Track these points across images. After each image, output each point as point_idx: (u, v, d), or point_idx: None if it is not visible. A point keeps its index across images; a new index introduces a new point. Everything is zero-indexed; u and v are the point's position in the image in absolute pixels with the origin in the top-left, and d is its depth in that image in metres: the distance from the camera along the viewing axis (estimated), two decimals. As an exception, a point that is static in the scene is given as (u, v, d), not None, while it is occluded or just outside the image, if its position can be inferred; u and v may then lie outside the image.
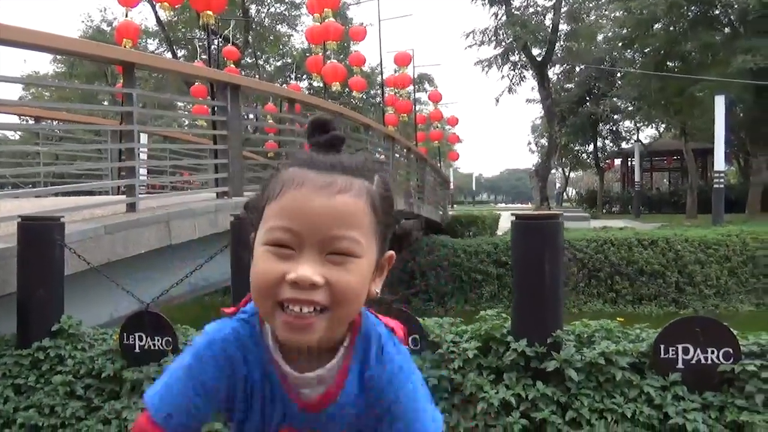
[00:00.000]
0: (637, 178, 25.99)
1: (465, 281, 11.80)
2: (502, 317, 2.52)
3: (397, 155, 11.69)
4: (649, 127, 29.64)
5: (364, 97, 22.39)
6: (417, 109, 19.53)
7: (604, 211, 27.98)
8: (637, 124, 29.19)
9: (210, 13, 7.21)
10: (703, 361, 2.14)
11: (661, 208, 26.52)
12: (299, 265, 0.69)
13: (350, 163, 0.75)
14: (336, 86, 10.57)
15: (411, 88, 18.09)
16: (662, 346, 2.18)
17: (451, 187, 25.91)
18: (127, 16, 9.52)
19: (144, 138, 8.98)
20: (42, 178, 8.04)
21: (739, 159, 26.73)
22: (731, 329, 2.15)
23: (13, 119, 8.04)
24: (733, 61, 14.87)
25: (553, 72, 25.27)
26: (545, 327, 2.27)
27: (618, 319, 2.51)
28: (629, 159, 30.03)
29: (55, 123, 9.53)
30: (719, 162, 15.74)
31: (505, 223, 18.74)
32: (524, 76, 22.09)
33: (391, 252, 0.79)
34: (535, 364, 2.22)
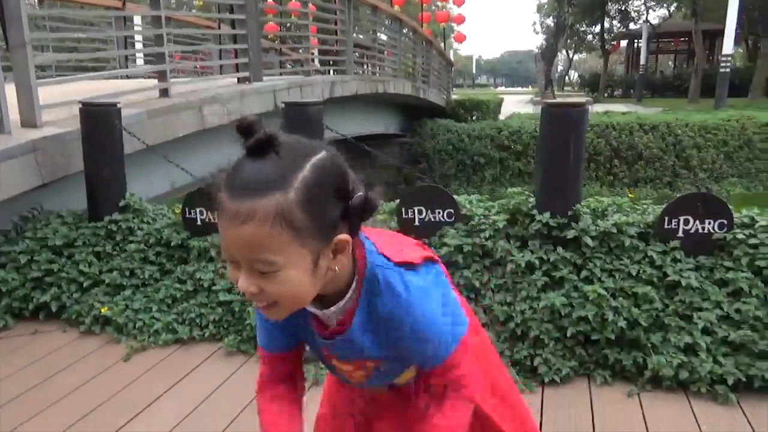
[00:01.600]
0: (642, 60, 25.47)
1: (468, 165, 12.14)
2: (526, 194, 2.86)
3: (405, 38, 11.50)
4: (660, 7, 28.51)
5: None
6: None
7: (606, 95, 27.73)
8: (647, 4, 28.07)
9: None
10: (700, 231, 2.50)
11: (663, 92, 26.28)
12: (241, 277, 0.80)
13: (259, 178, 0.75)
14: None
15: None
16: (666, 218, 2.53)
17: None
18: None
19: (137, 20, 8.83)
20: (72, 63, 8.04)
21: (748, 41, 26.13)
22: (728, 204, 2.50)
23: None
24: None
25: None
26: (566, 202, 2.61)
27: (629, 195, 2.85)
28: (636, 41, 29.24)
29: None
30: (728, 45, 15.50)
31: (507, 108, 18.71)
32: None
33: (343, 236, 0.81)
34: (556, 233, 2.58)
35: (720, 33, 16.72)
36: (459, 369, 0.95)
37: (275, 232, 0.75)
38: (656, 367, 2.24)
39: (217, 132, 5.00)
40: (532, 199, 2.74)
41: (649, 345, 2.31)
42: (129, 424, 2.13)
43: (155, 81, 4.77)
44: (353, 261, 0.89)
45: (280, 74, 7.45)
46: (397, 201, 2.90)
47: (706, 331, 2.30)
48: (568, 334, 2.37)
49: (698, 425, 2.07)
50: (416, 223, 2.83)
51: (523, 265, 2.51)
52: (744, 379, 2.19)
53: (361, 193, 0.81)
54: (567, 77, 43.68)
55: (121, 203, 3.25)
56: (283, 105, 2.98)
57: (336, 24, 8.37)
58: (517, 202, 2.71)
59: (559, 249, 2.55)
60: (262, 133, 0.76)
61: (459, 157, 12.18)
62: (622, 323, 2.31)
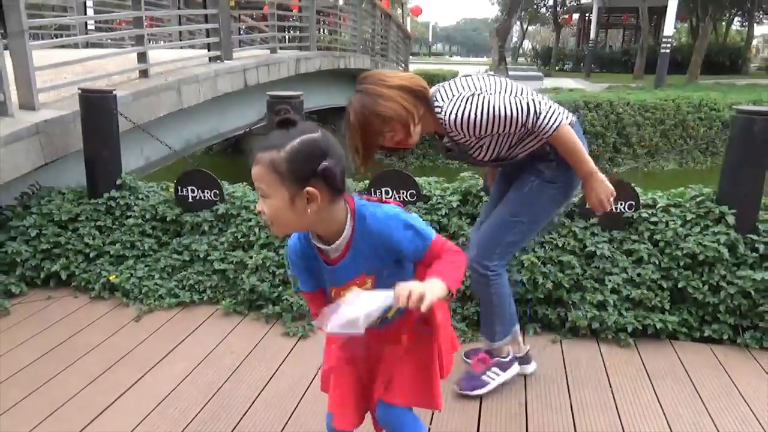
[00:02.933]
0: (592, 35, 26.25)
1: (426, 138, 12.62)
2: (476, 177, 3.38)
3: (364, 12, 11.75)
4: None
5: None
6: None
7: (557, 68, 28.55)
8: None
9: None
10: (614, 210, 3.08)
11: (612, 67, 27.25)
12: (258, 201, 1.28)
13: (270, 142, 1.22)
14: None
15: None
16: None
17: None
18: None
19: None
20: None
21: (692, 19, 27.29)
22: (635, 187, 3.08)
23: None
24: None
25: None
26: (509, 186, 3.14)
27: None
28: (587, 14, 30.07)
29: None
30: (669, 26, 16.32)
31: (463, 81, 19.16)
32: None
33: (311, 189, 1.22)
34: (500, 211, 3.12)
35: (665, 10, 17.50)
36: (443, 246, 1.36)
37: (268, 172, 1.22)
38: (575, 320, 2.84)
39: (190, 109, 5.32)
40: (480, 182, 3.26)
41: (570, 302, 2.90)
42: (146, 376, 2.55)
43: (131, 55, 5.01)
44: (347, 211, 1.32)
45: (239, 43, 7.69)
46: (368, 182, 3.38)
47: (614, 291, 2.90)
48: (508, 294, 2.93)
49: (604, 364, 2.67)
50: (384, 202, 3.32)
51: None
52: (640, 328, 2.82)
53: (326, 163, 1.23)
54: (521, 48, 44.45)
55: (118, 181, 3.61)
56: (268, 97, 3.37)
57: (299, 0, 8.61)
58: (468, 185, 3.23)
59: (502, 225, 3.09)
60: (283, 117, 1.25)
61: (416, 130, 12.62)
62: (550, 285, 2.89)
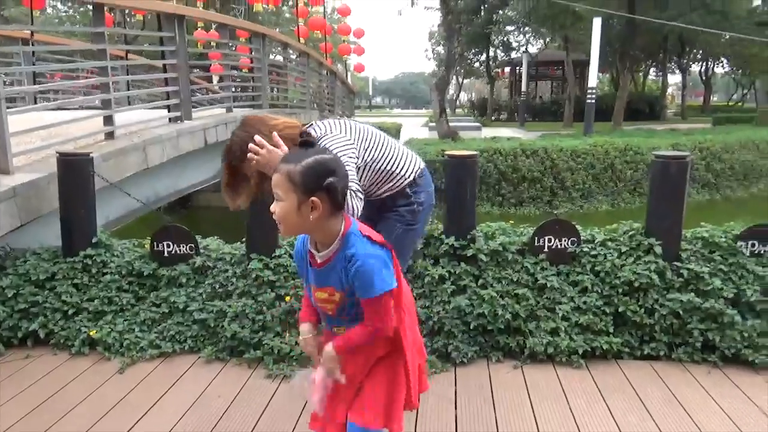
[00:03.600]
0: (523, 87, 27.80)
1: (374, 188, 12.98)
2: (436, 222, 3.71)
3: (312, 70, 12.25)
4: (537, 39, 31.42)
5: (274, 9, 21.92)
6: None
7: (493, 119, 30.03)
8: (526, 35, 30.90)
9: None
10: (559, 247, 3.46)
11: (543, 116, 28.87)
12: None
13: (290, 158, 1.51)
14: (258, 7, 10.83)
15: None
16: (536, 238, 3.47)
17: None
18: None
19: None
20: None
21: (613, 71, 29.53)
22: (576, 226, 3.48)
23: None
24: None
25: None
26: (465, 228, 3.48)
27: (510, 222, 3.79)
28: (517, 68, 31.99)
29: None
30: (592, 78, 17.66)
31: (406, 133, 19.92)
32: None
33: (313, 198, 1.47)
34: (459, 252, 3.44)
35: (588, 62, 18.84)
36: (376, 309, 1.56)
37: (285, 181, 1.49)
38: (532, 347, 3.15)
39: (152, 168, 5.48)
40: (440, 227, 3.60)
41: (527, 331, 3.22)
42: (138, 425, 2.62)
43: (94, 119, 5.16)
44: (342, 228, 1.55)
45: (192, 105, 7.90)
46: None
47: (564, 318, 3.24)
48: (471, 327, 3.22)
49: (560, 384, 2.98)
50: (353, 248, 3.58)
51: (436, 277, 3.35)
52: (589, 350, 3.16)
53: (331, 179, 1.49)
54: (458, 100, 46.46)
55: (94, 240, 3.72)
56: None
57: (251, 62, 8.98)
58: (430, 229, 3.56)
59: (462, 264, 3.41)
60: (304, 139, 1.55)
61: (365, 181, 12.98)
62: (508, 316, 3.20)
